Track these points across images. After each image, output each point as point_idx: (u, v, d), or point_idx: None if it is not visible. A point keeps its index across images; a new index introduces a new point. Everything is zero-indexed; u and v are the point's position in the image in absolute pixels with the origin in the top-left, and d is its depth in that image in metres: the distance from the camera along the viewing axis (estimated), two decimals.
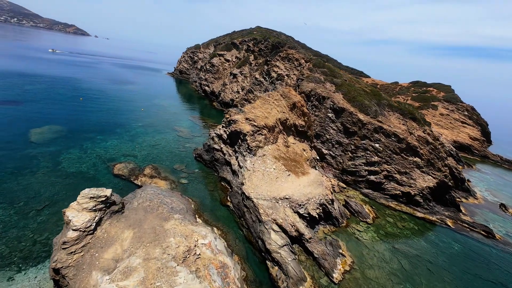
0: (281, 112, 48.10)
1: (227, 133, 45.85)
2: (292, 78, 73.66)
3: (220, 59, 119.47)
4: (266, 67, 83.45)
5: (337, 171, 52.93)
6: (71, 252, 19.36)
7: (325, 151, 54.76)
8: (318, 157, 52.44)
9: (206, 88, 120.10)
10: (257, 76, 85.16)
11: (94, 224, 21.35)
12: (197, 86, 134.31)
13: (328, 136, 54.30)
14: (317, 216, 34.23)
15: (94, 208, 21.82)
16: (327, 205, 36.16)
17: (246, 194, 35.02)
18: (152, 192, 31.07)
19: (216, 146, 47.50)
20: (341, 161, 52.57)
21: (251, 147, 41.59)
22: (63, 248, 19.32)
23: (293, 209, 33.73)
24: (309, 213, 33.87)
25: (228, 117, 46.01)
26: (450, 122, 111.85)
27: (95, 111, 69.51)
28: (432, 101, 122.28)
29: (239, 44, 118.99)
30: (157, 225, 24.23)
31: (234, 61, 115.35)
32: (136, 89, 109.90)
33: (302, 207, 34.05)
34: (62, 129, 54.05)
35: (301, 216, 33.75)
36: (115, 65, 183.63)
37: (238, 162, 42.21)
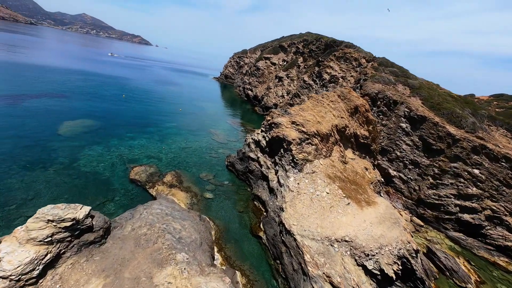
0: (339, 117, 36.74)
1: (267, 139, 36.15)
2: (348, 80, 61.40)
3: (266, 62, 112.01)
4: (317, 68, 72.51)
5: (410, 201, 39.01)
6: None
7: (393, 172, 41.28)
8: (382, 179, 39.38)
9: (249, 92, 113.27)
10: (306, 78, 74.58)
11: (42, 266, 13.18)
12: (240, 90, 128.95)
13: (398, 153, 40.83)
14: (393, 275, 22.03)
15: (49, 239, 13.78)
16: (410, 259, 23.58)
17: (286, 226, 24.58)
18: (158, 211, 22.67)
19: (252, 155, 38.11)
20: (417, 187, 38.59)
21: (296, 159, 31.11)
22: None
23: (356, 260, 22.13)
24: (381, 270, 21.85)
25: (269, 120, 36.37)
26: None
27: (133, 109, 66.58)
28: None
29: (288, 47, 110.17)
30: (145, 273, 15.28)
31: (280, 65, 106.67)
32: (179, 90, 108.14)
33: (370, 259, 22.21)
34: (94, 123, 50.62)
35: (368, 272, 21.95)
36: (165, 68, 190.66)
37: (278, 178, 32.00)
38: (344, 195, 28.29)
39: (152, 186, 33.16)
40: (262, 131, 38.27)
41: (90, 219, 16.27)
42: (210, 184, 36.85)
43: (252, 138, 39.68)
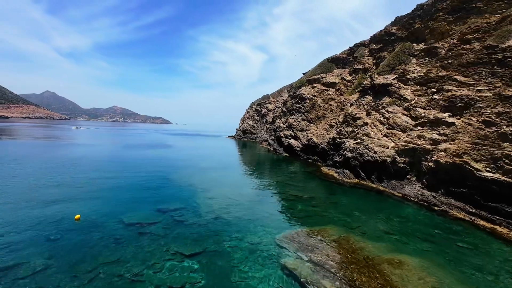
0: None
1: None
2: None
3: (314, 86, 59.62)
4: None
5: None
6: None
7: None
8: None
9: (292, 141, 57.67)
10: None
11: None
12: (269, 144, 74.80)
13: None
14: None
15: None
16: None
17: None
18: None
19: None
20: None
21: None
22: None
23: None
24: None
25: None
26: None
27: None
28: None
29: (349, 55, 58.91)
30: None
31: (348, 80, 53.45)
32: (173, 156, 54.13)
33: None
34: None
35: None
36: (166, 134, 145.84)
37: None
38: None
39: None
40: None
41: None
42: None
43: None
